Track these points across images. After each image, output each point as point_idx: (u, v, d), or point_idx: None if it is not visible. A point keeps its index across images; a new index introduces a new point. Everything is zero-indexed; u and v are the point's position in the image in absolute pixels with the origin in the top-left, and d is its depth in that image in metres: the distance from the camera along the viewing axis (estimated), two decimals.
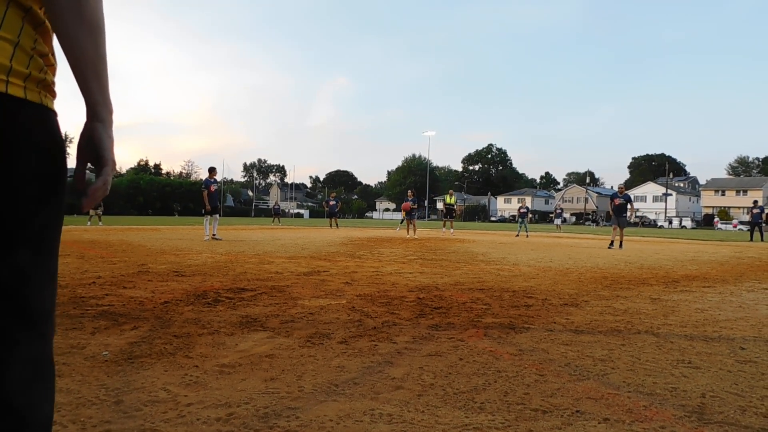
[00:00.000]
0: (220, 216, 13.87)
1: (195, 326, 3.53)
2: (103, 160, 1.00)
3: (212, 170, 13.81)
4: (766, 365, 2.91)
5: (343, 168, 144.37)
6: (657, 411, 2.19)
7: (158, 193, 64.46)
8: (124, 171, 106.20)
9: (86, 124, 0.99)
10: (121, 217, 36.86)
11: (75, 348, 2.94)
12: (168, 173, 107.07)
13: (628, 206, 14.10)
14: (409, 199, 18.11)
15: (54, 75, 0.95)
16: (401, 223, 32.15)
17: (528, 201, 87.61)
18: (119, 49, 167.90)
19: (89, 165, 1.04)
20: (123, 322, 3.58)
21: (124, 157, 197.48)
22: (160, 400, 2.20)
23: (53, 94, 0.94)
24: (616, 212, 14.07)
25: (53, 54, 0.95)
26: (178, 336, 3.24)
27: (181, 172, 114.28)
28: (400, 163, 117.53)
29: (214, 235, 13.58)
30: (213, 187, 13.56)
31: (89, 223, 23.52)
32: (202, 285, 5.38)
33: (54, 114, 0.92)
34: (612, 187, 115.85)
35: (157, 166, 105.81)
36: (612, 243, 14.00)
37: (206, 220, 13.68)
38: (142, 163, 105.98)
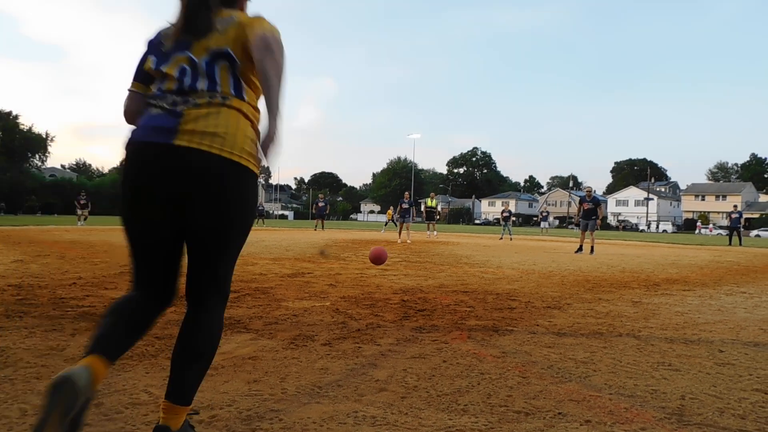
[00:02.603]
0: None
1: (177, 328, 3.47)
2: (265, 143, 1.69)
3: None
4: (744, 367, 2.96)
5: (328, 170, 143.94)
6: (638, 413, 2.21)
7: None
8: (106, 170, 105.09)
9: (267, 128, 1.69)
10: (104, 218, 36.33)
11: (54, 350, 2.90)
12: None
13: (597, 210, 13.67)
14: (405, 201, 17.90)
15: (256, 152, 1.72)
16: (386, 225, 32.16)
17: (512, 204, 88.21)
18: (104, 49, 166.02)
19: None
20: None
21: (107, 156, 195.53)
22: (142, 402, 2.18)
23: (258, 163, 1.72)
24: (585, 216, 13.66)
25: (258, 139, 1.74)
26: (160, 337, 3.21)
27: None
28: (385, 165, 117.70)
29: None
30: None
31: (79, 223, 23.22)
32: (184, 286, 5.33)
33: (257, 175, 1.74)
34: (595, 191, 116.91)
35: None
36: (580, 248, 13.51)
37: None
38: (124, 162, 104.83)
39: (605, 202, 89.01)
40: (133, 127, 1.73)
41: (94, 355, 1.56)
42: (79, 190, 27.46)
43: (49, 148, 64.78)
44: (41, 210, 55.52)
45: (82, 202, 24.00)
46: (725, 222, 65.80)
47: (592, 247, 13.36)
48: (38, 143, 63.07)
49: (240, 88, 1.72)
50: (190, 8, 1.72)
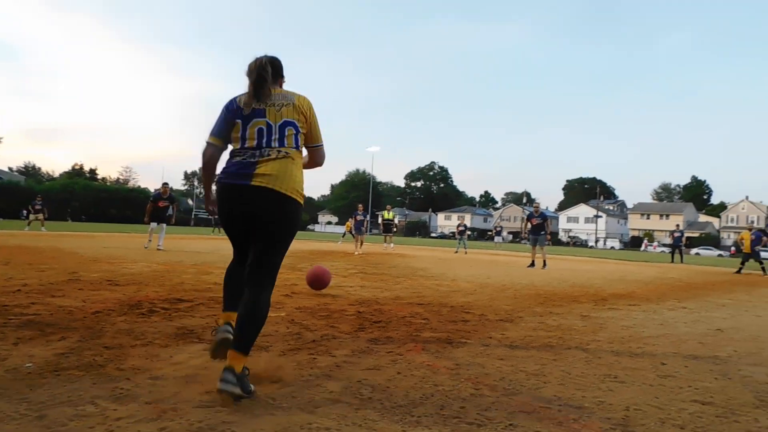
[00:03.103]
0: (166, 226, 13.43)
1: (128, 337, 3.40)
2: None
3: (165, 185, 13.65)
4: (684, 379, 3.09)
5: None
6: (585, 423, 2.29)
7: (93, 199, 61.79)
8: (57, 174, 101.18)
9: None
10: (53, 223, 34.81)
11: None
12: (104, 179, 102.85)
13: (545, 225, 13.90)
14: (359, 213, 17.95)
15: (302, 188, 2.66)
16: (343, 236, 32.05)
17: (467, 218, 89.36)
18: (58, 50, 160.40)
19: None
20: (50, 333, 3.40)
21: (58, 160, 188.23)
22: (88, 414, 2.11)
23: (302, 195, 2.61)
24: (534, 232, 13.88)
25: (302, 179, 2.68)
26: (109, 347, 3.12)
27: (118, 178, 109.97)
28: (344, 177, 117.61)
29: (159, 246, 12.97)
30: (161, 203, 13.25)
31: (27, 227, 22.13)
32: (137, 295, 5.19)
33: (301, 204, 2.61)
34: (547, 207, 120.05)
35: (92, 171, 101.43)
36: (533, 263, 13.79)
37: (151, 229, 13.19)
38: (76, 167, 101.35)
39: (555, 217, 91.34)
40: (219, 171, 2.70)
41: (230, 311, 2.70)
42: (34, 195, 26.53)
43: None
44: None
45: (37, 207, 23.06)
46: (669, 240, 68.65)
47: (545, 262, 13.63)
48: None
49: (298, 145, 2.70)
50: (257, 85, 2.64)
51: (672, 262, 23.41)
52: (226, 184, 2.60)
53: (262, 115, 2.62)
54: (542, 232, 13.84)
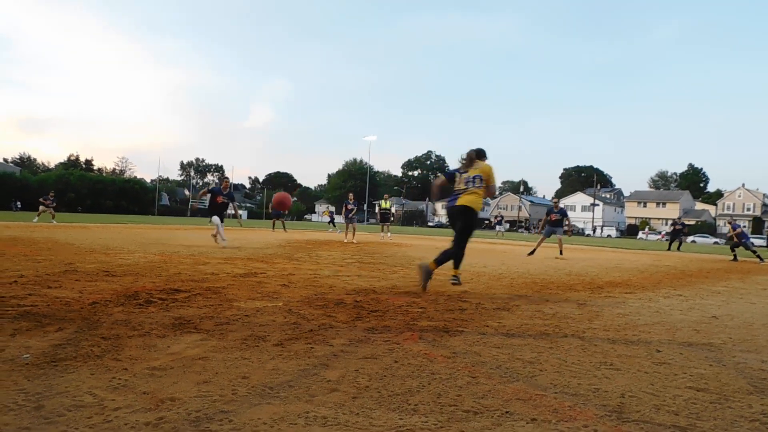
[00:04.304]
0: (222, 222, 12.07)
1: (125, 328, 3.40)
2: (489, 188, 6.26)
3: (225, 180, 12.56)
4: (679, 366, 3.12)
5: (283, 170, 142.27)
6: (580, 411, 2.30)
7: (89, 190, 61.52)
8: (52, 165, 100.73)
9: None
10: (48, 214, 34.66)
11: None
12: (100, 170, 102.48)
13: (564, 220, 14.56)
14: (350, 202, 18.09)
15: (481, 205, 6.33)
16: (332, 224, 31.98)
17: None
18: (52, 41, 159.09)
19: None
20: (47, 324, 3.40)
21: (53, 151, 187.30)
22: (85, 404, 2.12)
23: (480, 204, 6.09)
24: (553, 225, 14.53)
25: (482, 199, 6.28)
26: (106, 338, 3.12)
27: (114, 169, 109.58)
28: (340, 167, 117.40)
29: (222, 238, 11.92)
30: (219, 198, 12.05)
31: (36, 219, 22.28)
32: (134, 285, 5.19)
33: (477, 212, 6.08)
34: (544, 196, 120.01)
35: (88, 162, 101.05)
36: (534, 251, 14.24)
37: (219, 224, 11.87)
38: (72, 158, 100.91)
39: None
40: (444, 200, 6.34)
41: (433, 262, 5.77)
42: (47, 190, 26.99)
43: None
44: None
45: (49, 201, 23.41)
46: (666, 228, 68.93)
47: (561, 250, 14.40)
48: None
49: (481, 186, 6.00)
50: (467, 163, 6.08)
51: (669, 249, 23.60)
52: (450, 207, 6.09)
53: (466, 172, 6.06)
54: (561, 226, 14.51)
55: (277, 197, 8.94)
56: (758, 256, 16.36)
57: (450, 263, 5.99)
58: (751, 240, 18.01)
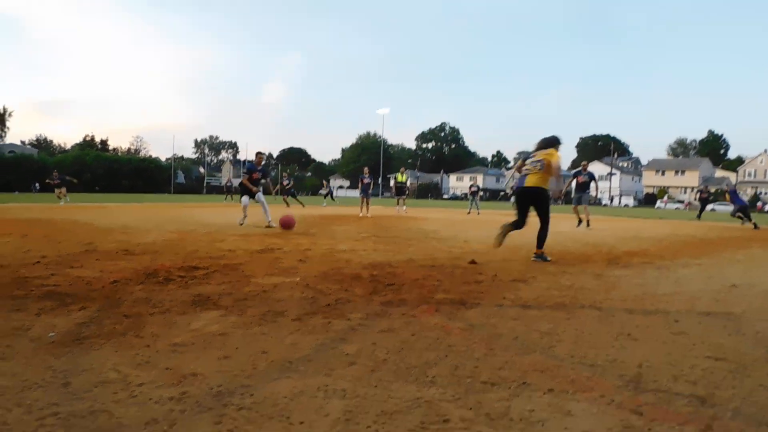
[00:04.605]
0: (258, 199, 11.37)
1: (146, 306, 3.47)
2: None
3: (260, 155, 11.74)
4: (697, 336, 3.10)
5: (296, 145, 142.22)
6: (598, 381, 2.31)
7: (105, 170, 62.10)
8: (68, 147, 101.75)
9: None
10: (78, 195, 35.13)
11: (19, 330, 2.85)
12: (115, 149, 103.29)
13: (592, 184, 13.43)
14: (365, 176, 18.10)
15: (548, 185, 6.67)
16: (329, 197, 31.82)
17: (480, 179, 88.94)
18: (65, 23, 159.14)
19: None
20: (70, 303, 3.48)
21: (68, 132, 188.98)
22: (110, 380, 2.17)
23: (546, 183, 6.52)
24: (579, 189, 13.47)
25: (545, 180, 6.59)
26: (128, 316, 3.18)
27: (129, 148, 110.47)
28: (354, 141, 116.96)
29: (269, 223, 10.99)
30: (255, 175, 11.40)
31: (61, 202, 22.54)
32: (153, 264, 5.26)
33: (547, 190, 6.52)
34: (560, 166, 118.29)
35: (104, 142, 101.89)
36: (580, 221, 13.31)
37: (244, 205, 11.43)
38: (87, 138, 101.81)
39: (569, 176, 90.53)
40: (518, 178, 6.67)
41: (537, 249, 6.52)
42: (47, 168, 26.59)
43: (8, 123, 62.29)
44: (0, 188, 53.60)
45: (56, 182, 23.29)
46: (684, 196, 68.12)
47: (588, 221, 13.26)
48: None
49: (546, 170, 6.37)
50: (541, 146, 6.60)
51: (699, 218, 23.47)
52: (520, 188, 6.50)
53: (534, 156, 6.51)
54: (587, 191, 13.40)
55: (283, 220, 10.24)
56: (751, 222, 17.17)
57: (517, 236, 6.94)
58: (744, 202, 18.14)
